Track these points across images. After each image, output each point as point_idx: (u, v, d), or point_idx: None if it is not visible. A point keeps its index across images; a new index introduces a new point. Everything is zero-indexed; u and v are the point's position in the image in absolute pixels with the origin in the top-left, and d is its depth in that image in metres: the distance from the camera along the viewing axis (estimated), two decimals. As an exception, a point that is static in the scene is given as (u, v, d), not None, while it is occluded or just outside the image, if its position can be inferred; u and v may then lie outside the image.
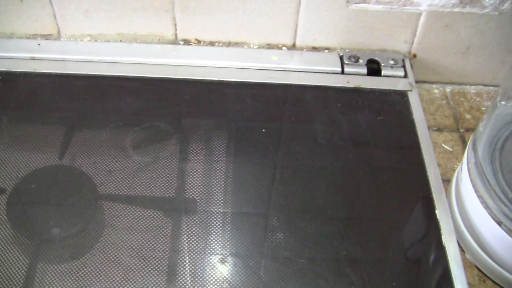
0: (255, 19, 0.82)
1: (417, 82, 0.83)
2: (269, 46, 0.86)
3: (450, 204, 0.69)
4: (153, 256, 0.63)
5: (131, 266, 0.62)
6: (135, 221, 0.65)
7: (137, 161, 0.71)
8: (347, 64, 0.82)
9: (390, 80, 0.81)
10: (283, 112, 0.77)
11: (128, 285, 0.60)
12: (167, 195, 0.68)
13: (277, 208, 0.67)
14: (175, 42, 0.86)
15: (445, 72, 0.87)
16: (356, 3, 0.79)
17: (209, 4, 0.80)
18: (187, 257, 0.62)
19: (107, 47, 0.84)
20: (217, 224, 0.66)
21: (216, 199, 0.68)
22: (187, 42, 0.86)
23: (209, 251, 0.63)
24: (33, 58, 0.81)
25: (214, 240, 0.64)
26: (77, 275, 0.61)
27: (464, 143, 0.80)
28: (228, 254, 0.63)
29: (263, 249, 0.64)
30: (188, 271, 0.61)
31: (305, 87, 0.80)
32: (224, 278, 0.61)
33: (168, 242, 0.64)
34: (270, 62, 0.83)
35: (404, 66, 0.83)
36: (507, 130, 0.67)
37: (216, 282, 0.61)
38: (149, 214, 0.66)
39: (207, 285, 0.60)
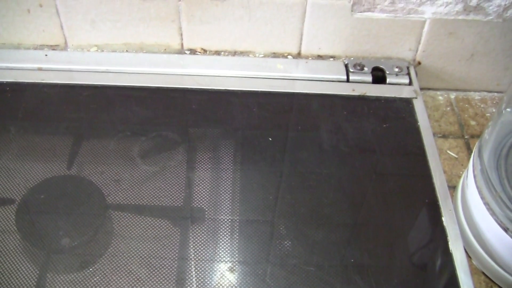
0: (260, 28, 0.82)
1: (421, 89, 0.84)
2: (275, 55, 0.86)
3: (456, 211, 0.70)
4: (162, 264, 0.63)
5: (140, 274, 0.62)
6: (144, 230, 0.66)
7: (145, 170, 0.71)
8: (352, 72, 0.83)
9: (395, 87, 0.82)
10: (289, 120, 0.78)
11: (137, 294, 0.61)
12: (175, 204, 0.68)
13: (284, 216, 0.68)
14: (181, 51, 0.86)
15: (449, 79, 0.87)
16: (360, 12, 0.80)
17: (214, 13, 0.81)
18: (195, 265, 0.63)
19: (114, 57, 0.85)
20: (225, 232, 0.66)
21: (223, 207, 0.68)
22: (193, 51, 0.86)
23: (217, 259, 0.64)
24: (40, 69, 0.82)
25: (222, 248, 0.65)
26: (87, 284, 0.61)
27: (469, 149, 0.80)
28: (236, 262, 0.63)
29: (270, 257, 0.64)
30: (196, 279, 0.62)
31: (310, 95, 0.80)
32: (232, 286, 0.61)
33: (176, 250, 0.64)
34: (275, 71, 0.83)
35: (409, 74, 0.83)
36: (513, 137, 0.67)
37: (224, 290, 0.61)
38: (157, 223, 0.66)
39: (215, 293, 0.61)
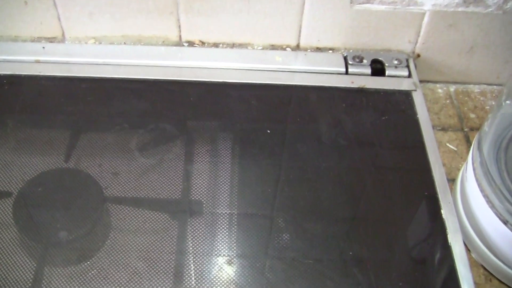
0: (259, 20, 0.82)
1: (421, 81, 0.83)
2: (273, 47, 0.86)
3: (455, 204, 0.69)
4: (160, 258, 0.63)
5: (138, 268, 0.62)
6: (142, 223, 0.66)
7: (143, 163, 0.71)
8: (351, 64, 0.82)
9: (394, 80, 0.82)
10: (288, 113, 0.78)
11: (135, 287, 0.60)
12: (173, 197, 0.68)
13: (283, 209, 0.67)
14: (179, 43, 0.86)
15: (449, 71, 0.87)
16: (360, 3, 0.79)
17: (213, 5, 0.80)
18: (193, 259, 0.63)
19: (112, 49, 0.85)
20: (223, 226, 0.66)
21: (222, 201, 0.68)
22: (191, 43, 0.86)
23: (215, 252, 0.64)
24: (38, 61, 0.81)
25: (220, 242, 0.64)
26: (84, 277, 0.61)
27: (468, 142, 0.80)
28: (234, 255, 0.63)
29: (269, 250, 0.64)
30: (194, 272, 0.62)
31: (309, 87, 0.80)
32: (231, 280, 0.61)
33: (174, 244, 0.64)
34: (274, 63, 0.83)
35: (408, 66, 0.83)
36: (512, 129, 0.67)
37: (222, 283, 0.61)
38: (155, 216, 0.66)
39: (213, 287, 0.61)
